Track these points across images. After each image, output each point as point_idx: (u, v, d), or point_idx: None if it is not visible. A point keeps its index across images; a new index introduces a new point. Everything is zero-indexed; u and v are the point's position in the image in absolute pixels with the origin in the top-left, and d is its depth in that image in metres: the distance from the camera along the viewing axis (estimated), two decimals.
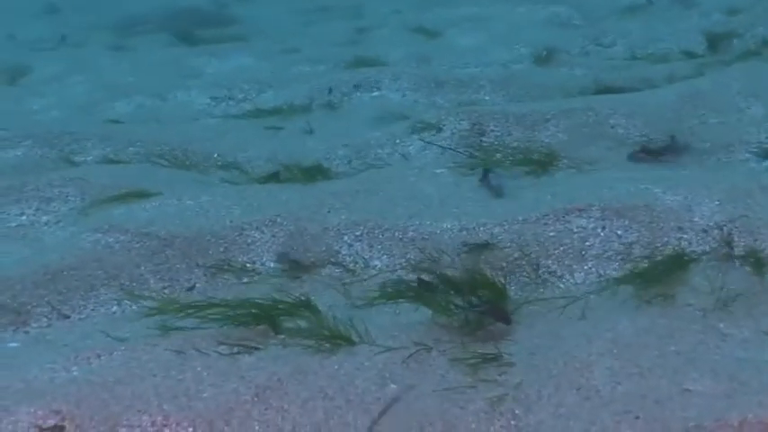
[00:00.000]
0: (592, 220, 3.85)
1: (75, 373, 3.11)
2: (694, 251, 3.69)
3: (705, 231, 3.75)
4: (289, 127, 5.80)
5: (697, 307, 3.35)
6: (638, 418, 2.75)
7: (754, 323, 3.24)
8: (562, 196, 4.05)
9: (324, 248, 3.96)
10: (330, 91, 6.37)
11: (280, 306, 3.41)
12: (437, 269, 3.69)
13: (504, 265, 3.73)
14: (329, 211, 4.13)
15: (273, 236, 4.05)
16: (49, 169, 5.17)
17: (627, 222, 3.82)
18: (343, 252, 3.94)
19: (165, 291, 3.84)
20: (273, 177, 4.84)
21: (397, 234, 3.93)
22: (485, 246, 3.79)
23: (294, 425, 2.88)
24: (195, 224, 4.14)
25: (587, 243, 3.78)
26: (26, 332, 3.63)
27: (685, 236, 3.75)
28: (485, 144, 5.04)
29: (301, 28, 9.89)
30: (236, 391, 2.98)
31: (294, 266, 3.93)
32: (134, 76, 7.75)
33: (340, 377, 3.03)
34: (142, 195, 4.53)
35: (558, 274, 3.70)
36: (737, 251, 3.64)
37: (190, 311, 3.42)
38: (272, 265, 3.96)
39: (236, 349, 3.20)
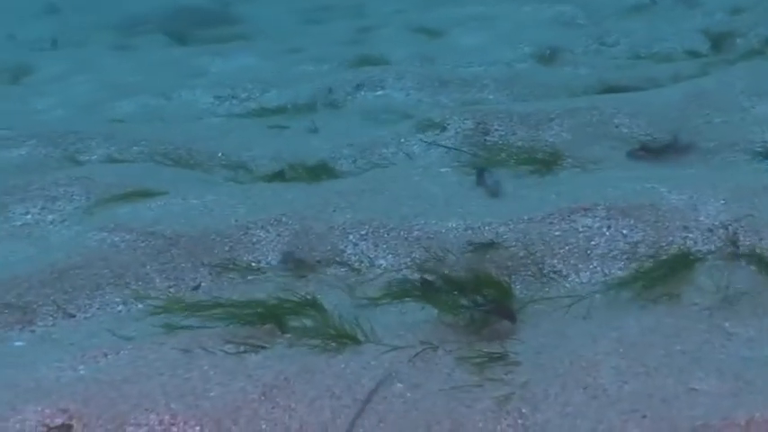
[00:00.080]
0: (597, 219, 3.85)
1: (82, 372, 3.12)
2: (700, 250, 3.69)
3: (711, 231, 3.75)
4: (293, 126, 5.80)
5: (702, 306, 3.35)
6: (645, 416, 2.76)
7: (760, 322, 3.24)
8: (567, 195, 4.05)
9: (329, 247, 3.96)
10: (330, 91, 6.38)
11: (285, 305, 3.42)
12: (442, 269, 3.70)
13: (510, 264, 3.73)
14: (334, 211, 4.14)
15: (279, 235, 4.06)
16: (53, 168, 5.17)
17: (632, 222, 3.82)
18: (349, 251, 3.94)
19: (171, 290, 3.84)
20: (278, 176, 4.85)
21: (402, 233, 3.93)
22: (490, 245, 3.79)
23: (301, 423, 2.88)
24: (200, 223, 4.14)
25: (593, 242, 3.78)
26: (32, 331, 3.64)
27: (691, 235, 3.75)
28: (489, 143, 5.05)
29: (303, 27, 9.90)
30: (244, 389, 2.98)
31: (299, 265, 3.94)
32: (137, 76, 7.75)
33: (347, 376, 3.04)
34: (147, 194, 4.53)
35: (564, 273, 3.70)
36: (743, 250, 3.64)
37: (196, 311, 3.43)
38: (277, 264, 3.96)
39: (242, 348, 3.21)
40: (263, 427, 2.87)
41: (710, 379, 2.89)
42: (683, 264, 3.59)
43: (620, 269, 3.68)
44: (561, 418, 2.82)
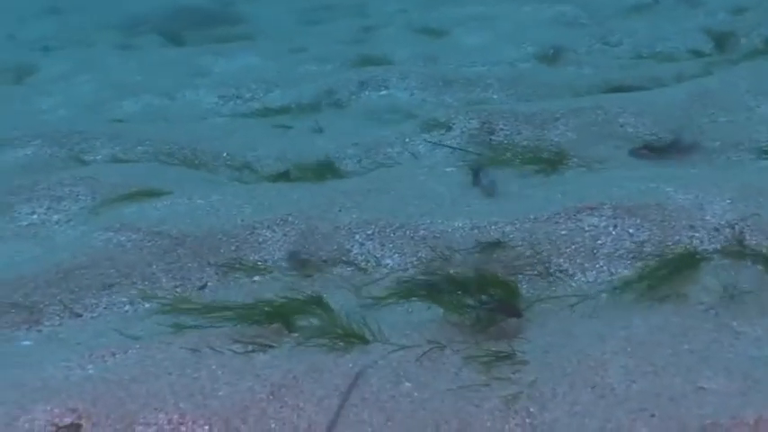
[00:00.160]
0: (603, 218, 3.86)
1: (90, 372, 3.12)
2: (706, 249, 3.69)
3: (717, 230, 3.76)
4: (297, 126, 5.81)
5: (709, 305, 3.35)
6: (653, 415, 2.76)
7: (767, 321, 3.24)
8: (573, 195, 4.06)
9: (335, 247, 3.97)
10: (329, 92, 6.38)
11: (292, 304, 3.42)
12: (448, 268, 3.70)
13: (516, 263, 3.73)
14: (340, 210, 4.14)
15: (285, 234, 4.06)
16: (58, 168, 5.18)
17: (638, 221, 3.82)
18: (355, 251, 3.94)
19: (177, 289, 3.85)
20: (284, 176, 4.85)
21: (408, 233, 3.94)
22: (496, 244, 3.79)
23: (310, 423, 2.88)
24: (206, 223, 4.15)
25: (599, 241, 3.79)
26: (39, 330, 3.64)
27: (697, 234, 3.76)
28: (494, 143, 5.05)
29: (306, 27, 9.89)
30: (252, 389, 2.99)
31: (305, 265, 3.94)
32: (140, 76, 7.75)
33: (355, 375, 3.04)
34: (152, 194, 4.54)
35: (570, 272, 3.71)
36: (749, 249, 3.64)
37: (203, 312, 3.43)
38: (283, 263, 3.96)
39: (250, 347, 3.21)
40: (272, 426, 2.88)
41: (719, 378, 2.89)
42: (689, 263, 3.59)
43: (626, 268, 3.68)
44: (569, 418, 2.82)
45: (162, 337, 3.32)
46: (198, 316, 3.43)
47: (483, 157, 4.80)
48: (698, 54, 7.01)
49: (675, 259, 3.63)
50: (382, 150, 5.15)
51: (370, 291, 3.69)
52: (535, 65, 7.08)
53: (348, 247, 3.96)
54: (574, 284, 3.66)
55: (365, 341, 3.22)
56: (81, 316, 3.72)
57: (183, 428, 2.86)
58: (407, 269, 3.82)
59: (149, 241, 4.03)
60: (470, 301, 3.33)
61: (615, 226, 3.82)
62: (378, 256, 3.90)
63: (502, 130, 5.14)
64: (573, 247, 3.77)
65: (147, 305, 3.72)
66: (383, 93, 6.36)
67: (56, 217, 4.57)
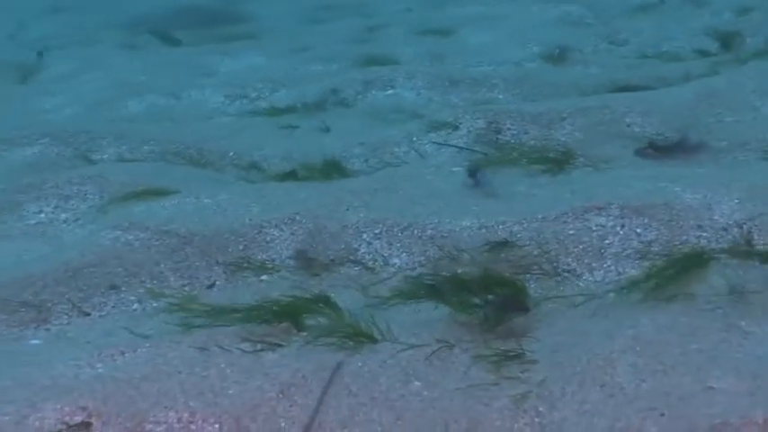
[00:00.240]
0: (611, 218, 3.86)
1: (100, 370, 3.12)
2: (714, 249, 3.69)
3: (725, 229, 3.76)
4: (304, 125, 5.81)
5: (718, 305, 3.35)
6: (663, 415, 2.76)
7: None
8: (580, 194, 4.06)
9: (343, 246, 3.97)
10: (335, 92, 6.39)
11: (301, 303, 3.42)
12: (456, 267, 3.71)
13: (524, 263, 3.73)
14: (348, 209, 4.15)
15: (292, 234, 4.07)
16: (66, 167, 5.19)
17: (646, 221, 3.83)
18: (363, 250, 3.95)
19: (185, 288, 3.85)
20: (291, 175, 4.86)
21: (415, 232, 3.94)
22: (504, 244, 3.80)
23: (319, 422, 2.89)
24: (214, 222, 4.15)
25: (606, 241, 3.79)
26: (47, 329, 3.65)
27: (705, 234, 3.76)
28: (501, 142, 5.05)
29: (309, 26, 9.89)
30: (261, 387, 2.99)
31: (313, 264, 3.94)
32: (146, 75, 7.75)
33: (364, 374, 3.04)
34: (160, 193, 4.55)
35: (578, 272, 3.71)
36: (757, 249, 3.64)
37: (212, 311, 3.44)
38: (291, 262, 3.97)
39: (259, 346, 3.21)
40: (282, 424, 2.88)
41: (728, 377, 2.89)
42: (697, 263, 3.59)
43: (634, 268, 3.69)
44: (578, 417, 2.83)
45: (171, 335, 3.33)
46: (206, 315, 3.44)
47: (483, 158, 4.80)
48: (704, 54, 7.01)
49: (683, 259, 3.63)
50: (389, 150, 5.16)
51: (377, 290, 3.69)
52: (541, 64, 7.07)
53: (356, 246, 3.96)
54: (581, 284, 3.66)
55: (374, 340, 3.22)
56: (89, 315, 3.72)
57: (192, 427, 2.87)
58: (415, 268, 3.83)
59: (157, 240, 4.04)
60: (478, 301, 3.34)
61: (623, 225, 3.83)
62: (385, 255, 3.91)
63: (509, 129, 5.15)
64: (580, 246, 3.78)
65: (155, 304, 3.73)
66: (389, 92, 6.37)
67: (64, 216, 4.58)
